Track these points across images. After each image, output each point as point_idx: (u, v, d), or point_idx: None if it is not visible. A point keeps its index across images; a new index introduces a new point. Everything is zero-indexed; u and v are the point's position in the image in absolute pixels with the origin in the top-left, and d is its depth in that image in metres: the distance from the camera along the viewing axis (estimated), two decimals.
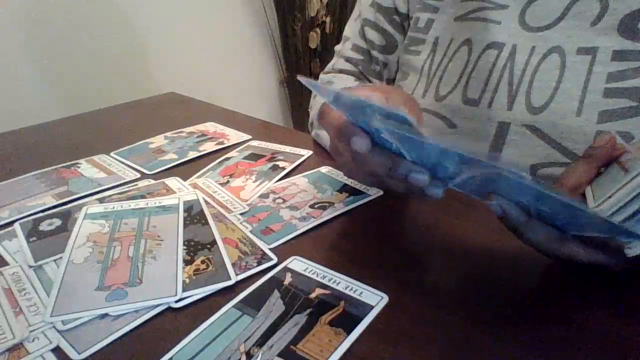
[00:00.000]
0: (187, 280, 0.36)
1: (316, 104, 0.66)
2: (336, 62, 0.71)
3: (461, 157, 0.28)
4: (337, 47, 0.72)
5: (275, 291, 0.35)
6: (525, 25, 0.50)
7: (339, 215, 0.45)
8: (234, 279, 0.36)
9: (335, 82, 0.67)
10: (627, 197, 0.29)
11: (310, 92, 0.71)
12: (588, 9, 0.46)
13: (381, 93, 0.38)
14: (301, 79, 0.32)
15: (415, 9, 0.60)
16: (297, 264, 0.38)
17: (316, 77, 0.59)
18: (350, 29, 0.69)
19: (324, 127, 0.38)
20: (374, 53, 0.66)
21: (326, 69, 0.73)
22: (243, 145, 0.63)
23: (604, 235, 0.30)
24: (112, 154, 0.61)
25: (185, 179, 0.53)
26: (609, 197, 0.30)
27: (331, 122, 0.36)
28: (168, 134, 0.68)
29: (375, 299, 0.34)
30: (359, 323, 0.32)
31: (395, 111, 0.28)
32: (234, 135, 0.66)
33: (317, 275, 0.37)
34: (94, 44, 1.39)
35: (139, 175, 0.55)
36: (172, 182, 0.52)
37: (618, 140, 0.34)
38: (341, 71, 0.69)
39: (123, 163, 0.58)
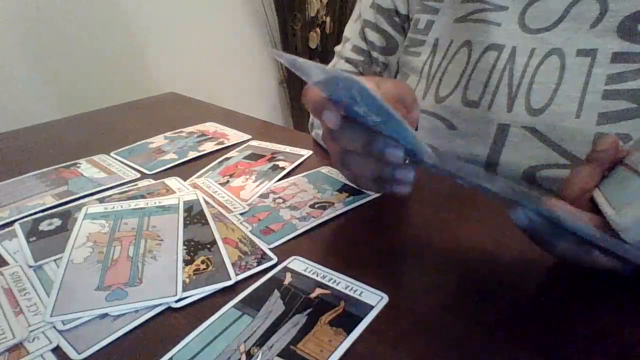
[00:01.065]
0: (187, 280, 0.36)
1: None
2: (336, 63, 0.71)
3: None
4: (337, 48, 0.72)
5: (275, 291, 0.35)
6: (525, 27, 0.50)
7: (339, 215, 0.45)
8: (234, 279, 0.36)
9: None
10: None
11: None
12: (587, 10, 0.46)
13: (371, 82, 0.38)
14: (272, 53, 0.29)
15: (415, 10, 0.61)
16: (297, 264, 0.38)
17: None
18: (351, 30, 0.69)
19: (305, 105, 0.37)
20: (375, 54, 0.66)
21: None
22: (243, 145, 0.63)
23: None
24: (112, 154, 0.61)
25: (185, 179, 0.53)
26: (629, 204, 0.29)
27: (309, 98, 0.35)
28: (168, 134, 0.68)
29: (375, 299, 0.34)
30: (359, 323, 0.32)
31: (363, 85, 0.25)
32: (234, 135, 0.66)
33: (317, 275, 0.37)
34: (93, 44, 1.39)
35: (139, 175, 0.55)
36: (172, 182, 0.52)
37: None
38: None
39: (123, 163, 0.58)
